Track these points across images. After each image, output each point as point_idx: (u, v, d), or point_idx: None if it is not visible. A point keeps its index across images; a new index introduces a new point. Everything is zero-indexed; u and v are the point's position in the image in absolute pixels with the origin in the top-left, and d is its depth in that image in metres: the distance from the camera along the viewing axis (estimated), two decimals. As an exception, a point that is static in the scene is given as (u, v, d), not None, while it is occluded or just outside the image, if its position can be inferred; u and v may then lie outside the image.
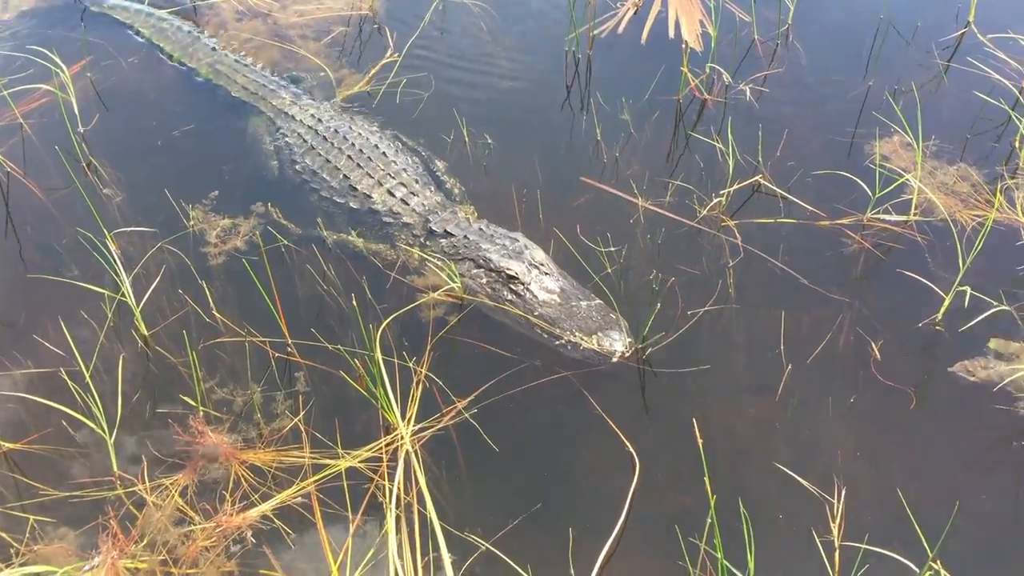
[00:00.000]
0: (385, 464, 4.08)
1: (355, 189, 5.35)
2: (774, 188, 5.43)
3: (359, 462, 4.11)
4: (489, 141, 5.92)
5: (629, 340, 4.52)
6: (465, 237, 5.02)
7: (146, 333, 4.72)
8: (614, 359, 4.48)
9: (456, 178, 5.65)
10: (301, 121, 5.82)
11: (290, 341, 4.58)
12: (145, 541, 3.85)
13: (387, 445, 4.14)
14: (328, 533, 3.87)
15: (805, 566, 3.72)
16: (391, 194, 5.31)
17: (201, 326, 4.75)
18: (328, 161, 5.51)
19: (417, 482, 3.88)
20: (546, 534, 4.00)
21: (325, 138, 5.63)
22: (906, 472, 4.16)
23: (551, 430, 4.45)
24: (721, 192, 5.34)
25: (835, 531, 3.75)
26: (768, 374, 4.55)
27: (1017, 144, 5.52)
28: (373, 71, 6.48)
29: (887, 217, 5.21)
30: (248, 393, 4.46)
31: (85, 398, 4.15)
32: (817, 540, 3.72)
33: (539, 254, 4.89)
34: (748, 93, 6.14)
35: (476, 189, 5.65)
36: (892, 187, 5.14)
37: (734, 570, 3.60)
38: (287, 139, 5.76)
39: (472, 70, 6.63)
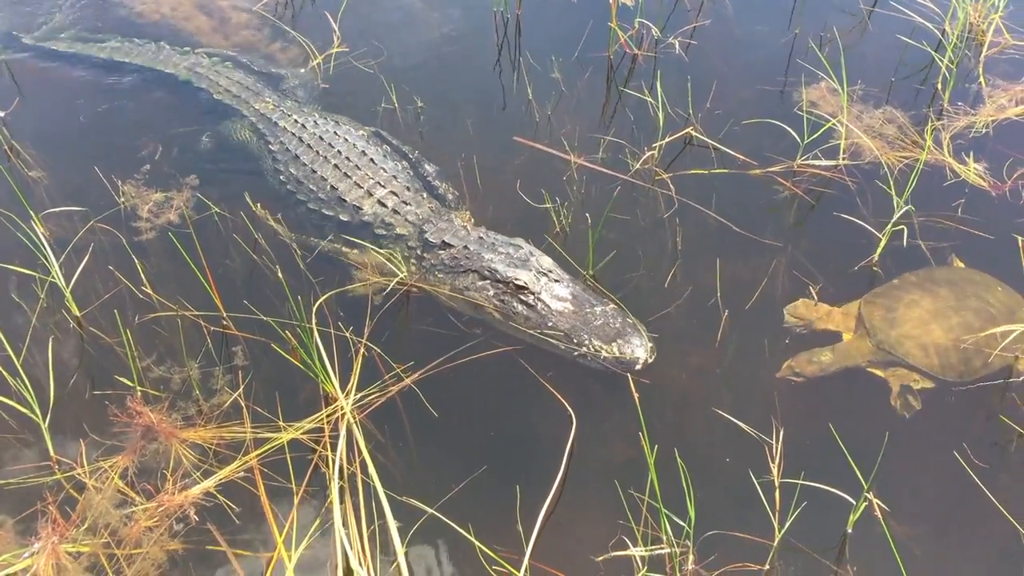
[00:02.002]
0: (327, 435, 4.07)
1: (343, 200, 5.01)
2: (706, 139, 5.47)
3: (301, 434, 4.10)
4: (420, 104, 5.87)
5: (650, 345, 4.33)
6: (465, 247, 4.69)
7: (78, 314, 4.63)
8: (637, 367, 4.27)
9: (449, 182, 5.34)
10: (284, 128, 5.48)
11: (225, 315, 4.53)
12: (86, 525, 3.80)
13: (328, 416, 4.13)
14: (273, 506, 3.87)
15: (750, 508, 3.79)
16: (382, 204, 4.98)
17: (137, 304, 4.68)
18: (314, 171, 5.15)
19: (360, 452, 3.89)
20: (491, 495, 4.03)
21: (310, 146, 5.28)
22: (838, 410, 4.26)
23: (492, 395, 4.47)
24: (653, 145, 5.35)
25: (775, 471, 3.81)
26: (706, 322, 4.60)
27: (940, 86, 5.60)
28: (318, 59, 6.36)
29: (817, 162, 5.27)
30: (186, 370, 4.41)
31: (16, 383, 4.07)
32: (755, 481, 3.78)
33: (546, 260, 4.63)
34: (677, 46, 6.14)
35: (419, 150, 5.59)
36: (819, 132, 5.20)
37: (675, 518, 3.66)
38: (271, 147, 5.43)
39: (401, 33, 6.54)
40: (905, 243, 4.75)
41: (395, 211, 4.95)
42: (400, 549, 3.67)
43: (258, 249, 4.95)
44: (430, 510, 3.82)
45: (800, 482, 3.73)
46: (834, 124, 5.26)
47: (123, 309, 4.65)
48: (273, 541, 3.77)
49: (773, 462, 3.82)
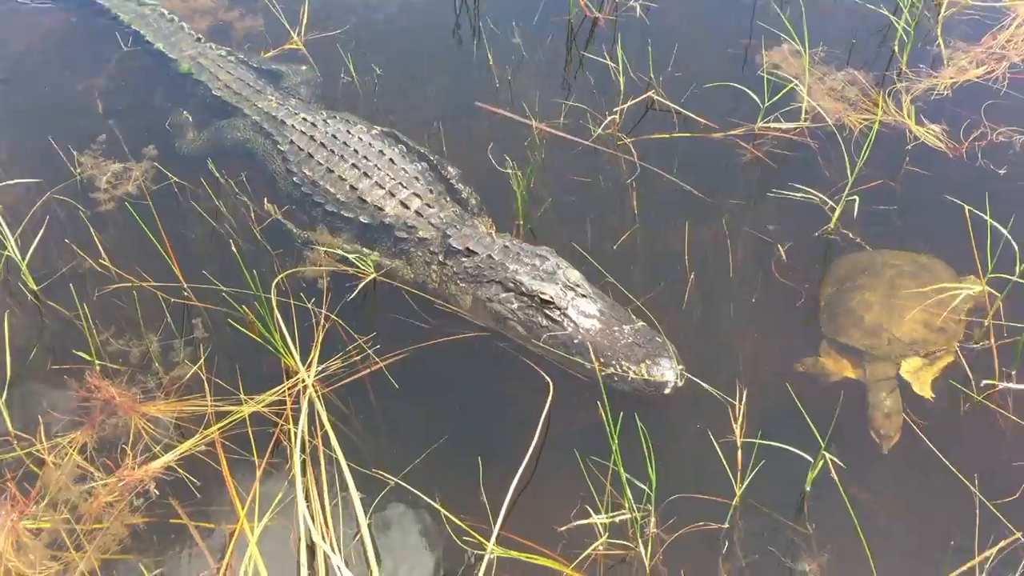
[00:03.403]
0: (289, 408, 4.06)
1: (364, 201, 4.76)
2: (667, 103, 5.45)
3: (263, 407, 4.09)
4: (378, 72, 5.81)
5: (681, 368, 4.13)
6: (489, 256, 4.47)
7: (35, 288, 4.58)
8: (667, 390, 4.09)
9: (471, 186, 5.12)
10: (293, 126, 5.19)
11: (186, 286, 4.49)
12: (46, 501, 3.79)
13: (290, 389, 4.11)
14: (235, 480, 3.88)
15: (712, 470, 3.83)
16: (405, 206, 4.74)
17: (96, 277, 4.63)
18: (330, 171, 4.89)
19: (322, 424, 3.89)
20: (457, 467, 4.04)
21: (323, 144, 5.01)
22: (797, 372, 4.30)
23: (458, 368, 4.45)
24: (615, 110, 5.33)
25: (737, 431, 3.85)
26: (672, 286, 4.62)
27: (896, 48, 5.61)
28: (295, 38, 6.24)
29: (778, 125, 5.27)
30: (145, 343, 4.38)
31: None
32: (714, 442, 3.82)
33: (573, 274, 4.41)
34: (638, 9, 6.10)
35: (377, 120, 5.49)
36: (780, 94, 5.19)
37: (636, 482, 3.69)
38: (280, 147, 5.14)
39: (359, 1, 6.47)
40: (856, 213, 4.77)
41: (418, 213, 4.73)
42: (363, 521, 3.69)
43: (220, 219, 4.89)
44: (395, 479, 3.84)
45: (759, 441, 3.77)
46: (795, 86, 5.25)
47: (81, 282, 4.60)
48: (236, 514, 3.77)
49: (736, 422, 3.86)
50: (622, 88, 5.36)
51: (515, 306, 4.34)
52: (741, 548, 3.77)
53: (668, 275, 4.68)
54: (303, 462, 3.83)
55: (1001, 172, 5.01)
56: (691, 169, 5.16)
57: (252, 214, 4.91)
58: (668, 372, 4.08)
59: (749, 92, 5.26)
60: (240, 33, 6.26)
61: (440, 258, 4.58)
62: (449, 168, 5.15)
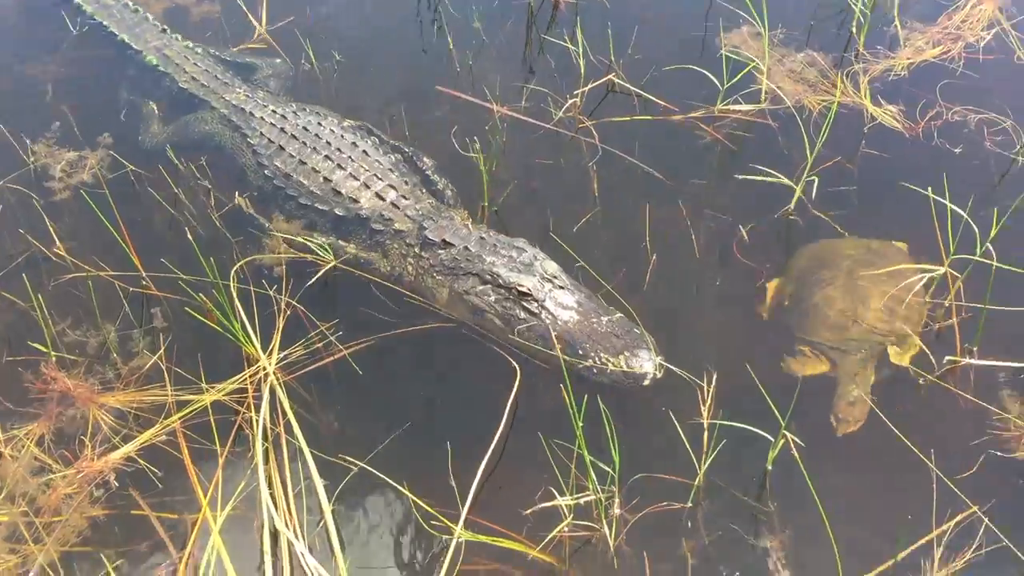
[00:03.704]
0: (250, 396, 4.03)
1: (339, 193, 4.69)
2: (628, 86, 5.46)
3: (224, 395, 4.05)
4: (337, 57, 5.76)
5: (659, 359, 4.12)
6: (466, 248, 4.42)
7: (-12, 279, 4.51)
8: (645, 382, 4.09)
9: (447, 178, 5.05)
10: (262, 119, 5.08)
11: (144, 275, 4.43)
12: (3, 494, 3.74)
13: (251, 376, 4.08)
14: (197, 469, 3.85)
15: (678, 449, 3.85)
16: (380, 197, 4.68)
17: (52, 267, 4.56)
18: (303, 163, 4.81)
19: (284, 412, 3.87)
20: (422, 453, 4.05)
21: (294, 136, 4.92)
22: (759, 353, 4.33)
23: (422, 354, 4.43)
24: (575, 93, 5.33)
25: (705, 413, 3.86)
26: (634, 267, 4.64)
27: (854, 29, 5.65)
28: (262, 28, 6.16)
29: (737, 107, 5.30)
30: (103, 333, 4.32)
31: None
32: (676, 423, 3.84)
33: (551, 265, 4.37)
34: (599, -9, 6.10)
35: (340, 108, 5.43)
36: (739, 76, 5.21)
37: (600, 464, 3.71)
38: (249, 140, 5.03)
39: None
40: (815, 195, 4.82)
41: (394, 205, 4.66)
42: (327, 507, 3.68)
43: (179, 206, 4.84)
44: (359, 464, 3.83)
45: (720, 422, 3.80)
46: (753, 68, 5.27)
47: (36, 272, 4.54)
48: (198, 503, 3.74)
49: (704, 404, 3.87)
50: (583, 71, 5.36)
51: (492, 299, 4.30)
52: (704, 526, 3.80)
53: (630, 257, 4.70)
54: (266, 450, 3.80)
55: (956, 151, 5.07)
56: (652, 151, 5.18)
57: (212, 200, 4.85)
58: (647, 364, 4.07)
59: (708, 75, 5.27)
60: (196, 18, 6.17)
61: (416, 250, 4.53)
62: (425, 159, 5.09)
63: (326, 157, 4.81)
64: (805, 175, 4.69)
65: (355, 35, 6.06)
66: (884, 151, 5.11)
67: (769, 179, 4.80)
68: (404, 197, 4.71)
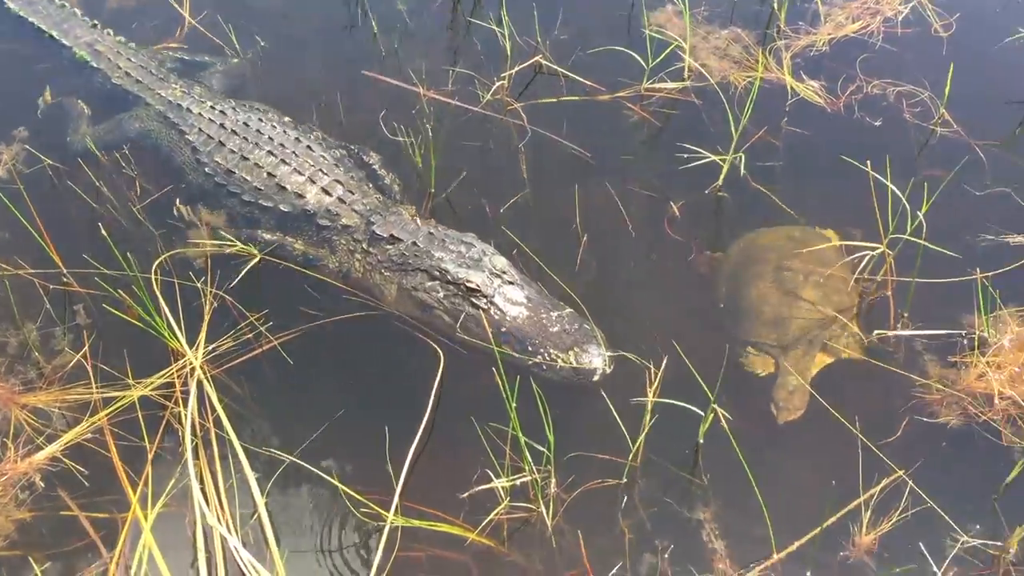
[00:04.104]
0: (178, 390, 3.96)
1: (284, 188, 4.58)
2: (555, 67, 5.46)
3: (151, 391, 3.98)
4: (261, 43, 5.67)
5: (609, 354, 4.10)
6: (414, 243, 4.37)
7: (-101, 281, 4.37)
8: (595, 378, 4.06)
9: (394, 172, 4.96)
10: (200, 114, 4.95)
11: (65, 271, 4.33)
12: (-77, 502, 3.64)
13: (178, 371, 4.01)
14: (126, 466, 3.79)
15: (612, 427, 3.86)
16: (326, 192, 4.59)
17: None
18: (245, 158, 4.69)
19: (213, 406, 3.82)
20: (357, 440, 4.04)
21: (235, 132, 4.80)
22: (684, 330, 4.37)
23: (352, 342, 4.40)
24: (502, 75, 5.32)
25: (651, 393, 3.84)
26: (565, 248, 4.66)
27: (776, 5, 5.71)
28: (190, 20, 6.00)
29: (663, 85, 5.33)
30: (23, 332, 4.22)
31: None
32: (610, 402, 3.86)
33: (500, 260, 4.33)
34: (523, -28, 6.07)
35: (266, 95, 5.39)
36: (663, 55, 5.24)
37: (536, 446, 3.72)
38: (188, 137, 4.89)
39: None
40: (742, 170, 4.88)
41: (341, 200, 4.58)
42: (260, 500, 3.64)
43: (101, 199, 4.73)
44: (289, 457, 3.80)
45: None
46: (677, 47, 5.30)
47: (-50, 272, 4.41)
48: (128, 502, 3.68)
49: (651, 385, 3.86)
50: (509, 53, 5.34)
51: (441, 295, 4.26)
52: (640, 502, 3.85)
53: (561, 237, 4.71)
54: (196, 445, 3.75)
55: (876, 124, 5.16)
56: (581, 131, 5.19)
57: (137, 191, 4.75)
58: (596, 359, 4.05)
59: (633, 54, 5.28)
60: (113, 5, 6.02)
61: (364, 246, 4.47)
62: (371, 154, 5.00)
63: (269, 152, 4.70)
64: (731, 151, 4.74)
65: (279, 21, 5.95)
66: (807, 126, 5.18)
67: (697, 158, 4.84)
68: (351, 192, 4.63)
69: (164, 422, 3.93)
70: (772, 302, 4.37)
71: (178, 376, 4.01)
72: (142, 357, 4.15)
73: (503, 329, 4.14)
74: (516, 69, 5.38)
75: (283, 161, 4.67)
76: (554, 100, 5.33)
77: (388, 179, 4.92)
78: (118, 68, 5.34)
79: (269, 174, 4.63)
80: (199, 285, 4.30)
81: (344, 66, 5.67)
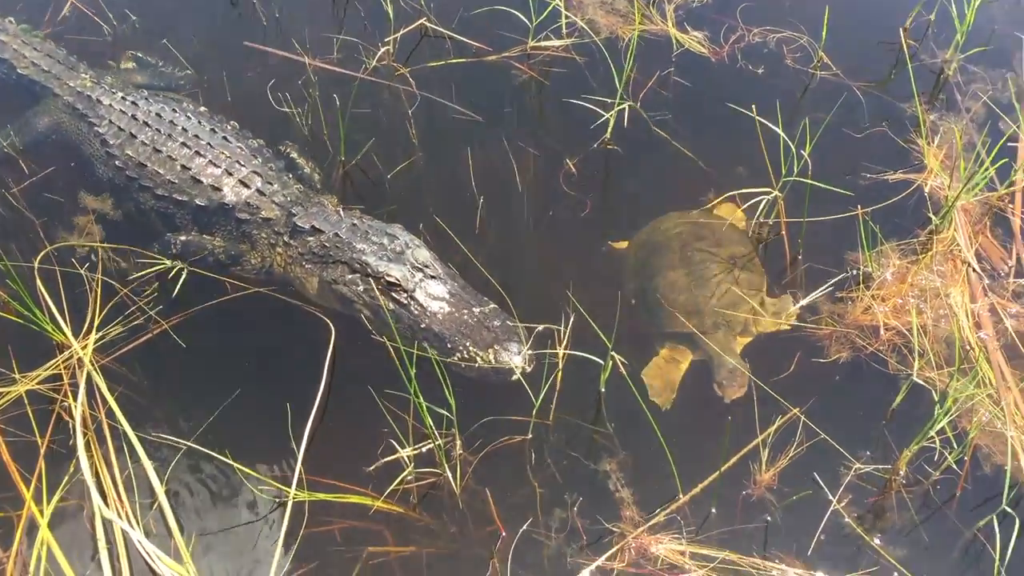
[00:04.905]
0: (66, 383, 3.85)
1: (199, 181, 4.39)
2: (440, 29, 5.40)
3: (37, 383, 3.86)
4: (133, 18, 5.49)
5: (529, 353, 3.98)
6: (336, 235, 4.22)
7: None
8: (514, 377, 3.93)
9: (313, 160, 4.83)
10: (111, 106, 4.71)
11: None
12: None
13: (65, 362, 3.89)
14: (17, 463, 3.68)
15: (514, 386, 3.91)
16: (244, 185, 4.40)
17: None
18: (157, 151, 4.48)
19: (105, 397, 3.72)
20: (258, 420, 3.98)
21: (147, 124, 4.58)
22: (579, 280, 4.42)
23: (245, 323, 4.34)
24: (387, 40, 5.24)
25: (560, 351, 3.87)
26: (462, 212, 4.65)
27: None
28: None
29: (548, 43, 5.32)
30: None
31: None
32: (512, 364, 3.89)
33: (422, 254, 4.18)
34: (402, -66, 5.97)
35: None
36: (546, 12, 5.22)
37: (437, 409, 3.72)
38: (97, 129, 4.66)
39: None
40: (627, 122, 4.91)
41: (260, 192, 4.41)
42: (160, 488, 3.58)
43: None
44: (186, 443, 3.73)
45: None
46: (561, 3, 5.29)
47: None
48: (22, 499, 3.57)
49: (560, 344, 3.88)
50: (392, 17, 5.26)
51: (361, 288, 4.13)
52: (549, 457, 3.89)
53: (458, 201, 4.70)
54: (88, 437, 3.65)
55: (759, 71, 5.26)
56: (470, 93, 5.17)
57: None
58: (516, 358, 3.94)
59: (516, 13, 5.25)
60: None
61: (285, 239, 4.33)
62: (288, 143, 4.87)
63: (183, 144, 4.50)
64: (616, 104, 4.77)
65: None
66: (693, 77, 5.25)
67: (587, 109, 4.86)
68: (270, 183, 4.46)
69: (54, 416, 3.82)
70: (684, 288, 4.33)
71: (65, 368, 3.89)
72: (30, 350, 4.00)
73: (423, 325, 4.03)
74: (400, 33, 5.31)
75: (198, 153, 4.47)
76: (442, 63, 5.28)
77: (308, 168, 4.80)
78: (24, 58, 5.07)
79: (183, 167, 4.44)
80: (83, 272, 4.16)
81: (225, 39, 5.51)
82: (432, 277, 4.14)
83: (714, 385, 4.08)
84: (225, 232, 4.43)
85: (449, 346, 3.97)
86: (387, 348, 3.81)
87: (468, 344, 3.95)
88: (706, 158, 4.85)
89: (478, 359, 3.93)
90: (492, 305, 4.13)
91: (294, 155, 4.81)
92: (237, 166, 4.47)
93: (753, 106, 4.46)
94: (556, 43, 5.32)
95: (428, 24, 5.41)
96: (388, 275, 4.07)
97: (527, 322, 4.04)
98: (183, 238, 4.37)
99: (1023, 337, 4.14)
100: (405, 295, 4.07)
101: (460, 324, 4.01)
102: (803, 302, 4.25)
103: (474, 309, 4.07)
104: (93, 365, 3.82)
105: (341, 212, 4.38)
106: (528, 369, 3.93)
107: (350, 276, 4.15)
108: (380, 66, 5.25)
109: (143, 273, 4.23)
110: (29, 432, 3.76)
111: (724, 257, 4.41)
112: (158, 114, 4.64)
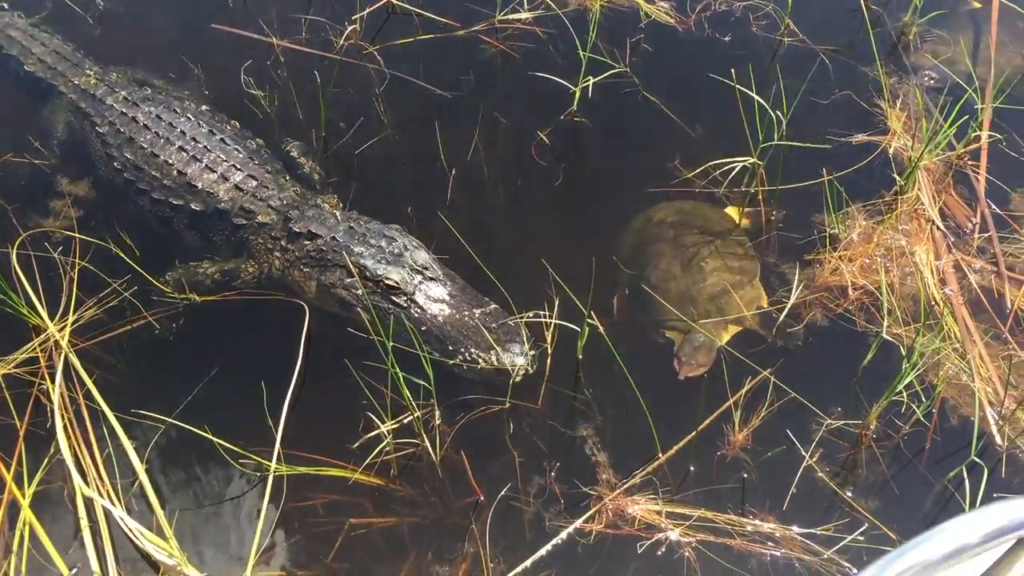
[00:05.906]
0: (43, 365, 3.86)
1: (194, 187, 4.38)
2: (406, 6, 5.41)
3: (14, 367, 3.87)
4: (100, 2, 5.47)
5: (532, 353, 3.97)
6: (333, 238, 4.18)
7: None
8: (517, 379, 3.93)
9: (314, 160, 4.81)
10: (112, 106, 4.68)
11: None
12: None
13: (41, 345, 3.91)
14: (-3, 446, 3.69)
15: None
16: (240, 189, 4.38)
17: None
18: (155, 155, 4.46)
19: (83, 378, 3.74)
20: (236, 398, 4.00)
21: (146, 126, 4.55)
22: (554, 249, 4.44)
23: (223, 302, 4.34)
24: (354, 18, 5.24)
25: (549, 337, 3.94)
26: (434, 185, 4.69)
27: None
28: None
29: (516, 16, 5.34)
30: None
31: None
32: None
33: (421, 256, 4.14)
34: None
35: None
36: (512, -18, 5.26)
37: (417, 380, 3.76)
38: (98, 129, 4.64)
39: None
40: (591, 92, 4.92)
41: (256, 196, 4.38)
42: (140, 467, 3.60)
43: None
44: (169, 419, 3.76)
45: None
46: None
47: None
48: (3, 481, 3.60)
49: (548, 330, 3.95)
50: (357, -7, 5.28)
51: (360, 292, 4.12)
52: (527, 425, 3.94)
53: (429, 177, 4.73)
54: (67, 419, 3.67)
55: (726, 39, 5.30)
56: (439, 70, 5.18)
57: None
58: (518, 359, 3.94)
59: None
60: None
61: (282, 243, 4.29)
62: (290, 141, 4.86)
63: (180, 148, 4.47)
64: (581, 76, 4.80)
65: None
66: (661, 46, 5.28)
67: (556, 82, 4.89)
68: (266, 187, 4.43)
69: (32, 399, 3.83)
70: (677, 277, 4.33)
71: (42, 351, 3.90)
72: (6, 336, 4.02)
73: (423, 328, 4.01)
74: (367, 11, 5.31)
75: (194, 157, 4.44)
76: (410, 40, 5.29)
77: (308, 167, 4.77)
78: (31, 54, 5.03)
79: (179, 172, 4.42)
80: (56, 256, 4.17)
81: (191, 20, 5.50)
82: (432, 279, 4.12)
83: (673, 360, 4.11)
84: (221, 236, 4.43)
85: (451, 348, 3.97)
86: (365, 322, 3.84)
87: (469, 346, 3.95)
88: (674, 127, 4.89)
89: (480, 361, 3.94)
90: (493, 306, 4.12)
91: (294, 154, 4.80)
92: (234, 170, 4.44)
93: (732, 71, 4.48)
94: (524, 15, 5.34)
95: (395, 1, 5.41)
96: (387, 278, 4.05)
97: (507, 291, 4.08)
98: (171, 275, 4.32)
99: (987, 292, 4.23)
100: (405, 298, 4.06)
101: (461, 325, 4.01)
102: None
103: (475, 311, 4.06)
104: (70, 348, 3.83)
105: (339, 214, 4.34)
106: (531, 370, 3.94)
107: (349, 280, 4.13)
108: (348, 45, 5.25)
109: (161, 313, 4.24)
110: (8, 415, 3.78)
111: (717, 246, 4.44)
112: (158, 116, 4.60)
